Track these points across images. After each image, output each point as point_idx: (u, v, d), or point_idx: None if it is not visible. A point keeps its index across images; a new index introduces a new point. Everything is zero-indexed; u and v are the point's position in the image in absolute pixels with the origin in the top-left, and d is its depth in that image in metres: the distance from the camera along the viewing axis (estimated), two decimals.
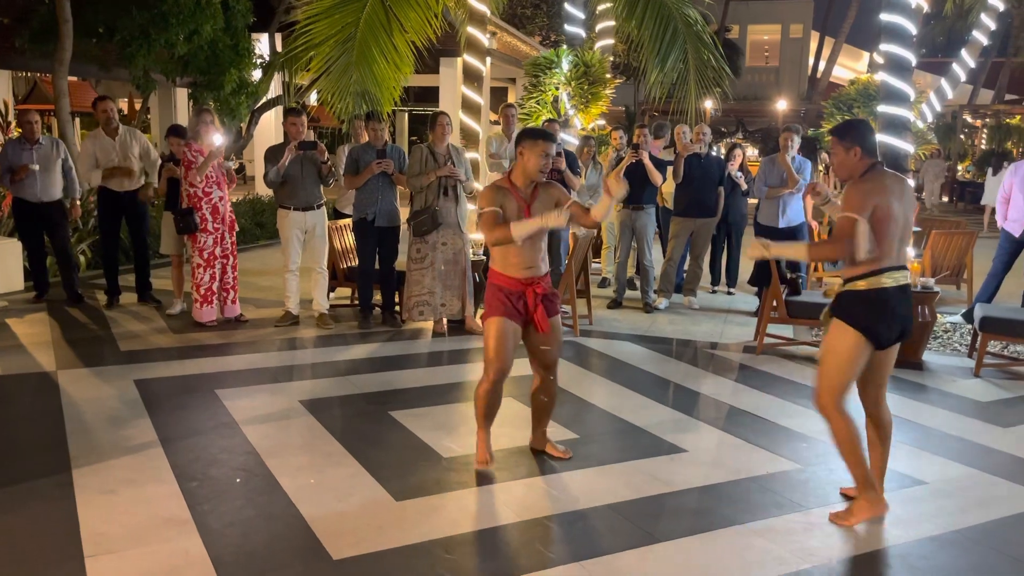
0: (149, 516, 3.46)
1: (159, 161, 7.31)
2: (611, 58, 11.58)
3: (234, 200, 7.73)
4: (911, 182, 7.18)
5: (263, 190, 11.79)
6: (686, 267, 8.23)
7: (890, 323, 3.48)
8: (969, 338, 6.63)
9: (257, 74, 12.05)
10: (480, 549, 3.29)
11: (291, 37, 6.99)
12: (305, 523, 3.44)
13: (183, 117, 15.61)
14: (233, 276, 6.76)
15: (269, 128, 14.79)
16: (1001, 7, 12.01)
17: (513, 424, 4.70)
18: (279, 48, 12.89)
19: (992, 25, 11.90)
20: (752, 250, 3.74)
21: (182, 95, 15.62)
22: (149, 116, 17.38)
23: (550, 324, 3.99)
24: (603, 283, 8.96)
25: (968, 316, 7.16)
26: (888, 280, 3.46)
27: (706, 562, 3.23)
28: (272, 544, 3.27)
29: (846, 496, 3.83)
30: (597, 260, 9.33)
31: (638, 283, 8.15)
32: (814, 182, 3.94)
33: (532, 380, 4.24)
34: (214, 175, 6.53)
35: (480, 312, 6.98)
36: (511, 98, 19.06)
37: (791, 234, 7.64)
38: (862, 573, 3.20)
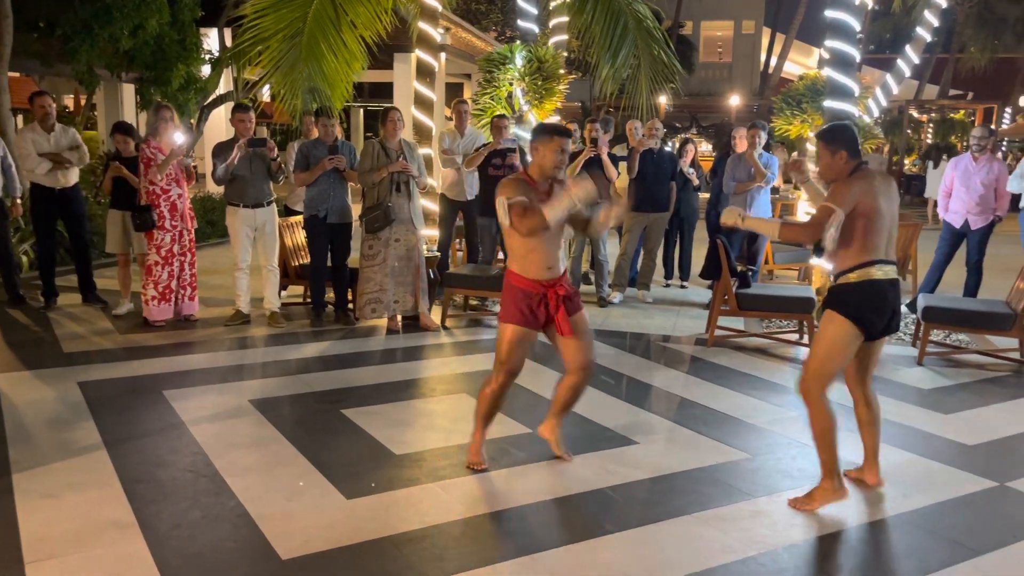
0: (92, 520, 3.39)
1: (87, 155, 7.16)
2: (565, 54, 11.60)
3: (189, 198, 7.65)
4: None
5: (214, 188, 11.61)
6: (640, 261, 8.30)
7: (881, 313, 3.59)
8: (913, 327, 6.79)
9: (206, 69, 11.85)
10: (431, 545, 3.28)
11: (239, 32, 6.88)
12: (253, 523, 3.40)
13: (130, 113, 15.28)
14: (191, 273, 6.66)
15: (220, 124, 14.55)
16: (944, 4, 12.27)
17: (467, 420, 4.68)
18: (228, 43, 12.68)
19: (935, 22, 12.15)
20: (726, 217, 3.84)
21: (128, 91, 15.29)
22: (95, 112, 17.00)
23: (572, 324, 3.88)
24: None
25: (912, 306, 7.34)
26: (878, 272, 3.56)
27: (654, 552, 3.27)
28: (219, 545, 3.23)
29: (848, 476, 3.87)
30: None
31: (593, 278, 8.21)
32: (798, 159, 4.04)
33: (562, 376, 4.12)
34: (173, 172, 6.44)
35: (436, 306, 7.00)
36: (466, 94, 19.01)
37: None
38: (806, 558, 3.26)
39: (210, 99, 12.44)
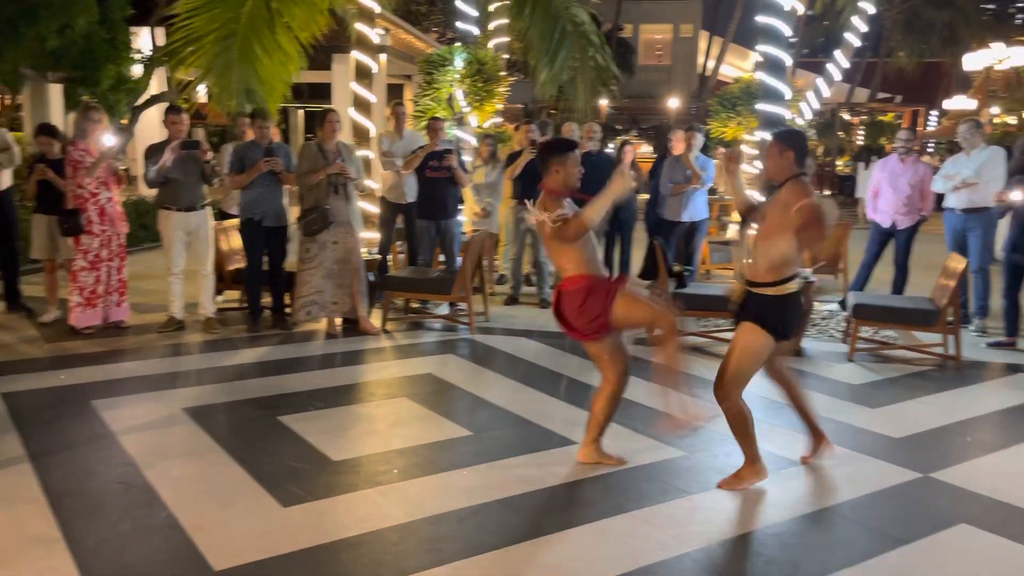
0: (15, 536, 3.27)
1: (17, 157, 6.93)
2: (506, 56, 11.64)
3: (121, 201, 7.44)
4: None
5: (147, 191, 11.32)
6: None
7: (795, 321, 3.88)
8: (844, 325, 6.99)
9: (138, 69, 11.55)
10: (369, 551, 3.26)
11: (171, 31, 6.72)
12: (186, 534, 3.33)
13: (57, 114, 14.78)
14: (120, 279, 6.48)
15: (153, 126, 14.17)
16: (872, 10, 12.68)
17: (407, 424, 4.68)
18: (160, 42, 12.37)
19: (864, 27, 12.55)
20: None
21: (56, 91, 14.78)
22: (21, 113, 16.40)
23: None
24: (500, 280, 9.02)
25: (843, 304, 7.55)
26: (793, 285, 3.76)
27: (592, 551, 3.30)
28: (150, 558, 3.15)
29: (806, 462, 4.20)
30: (495, 257, 9.37)
31: (534, 279, 8.25)
32: (735, 150, 4.17)
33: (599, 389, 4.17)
34: (102, 175, 6.27)
35: (376, 310, 6.94)
36: (408, 95, 18.91)
37: (694, 228, 8.10)
38: (739, 552, 3.33)
39: (142, 100, 12.12)
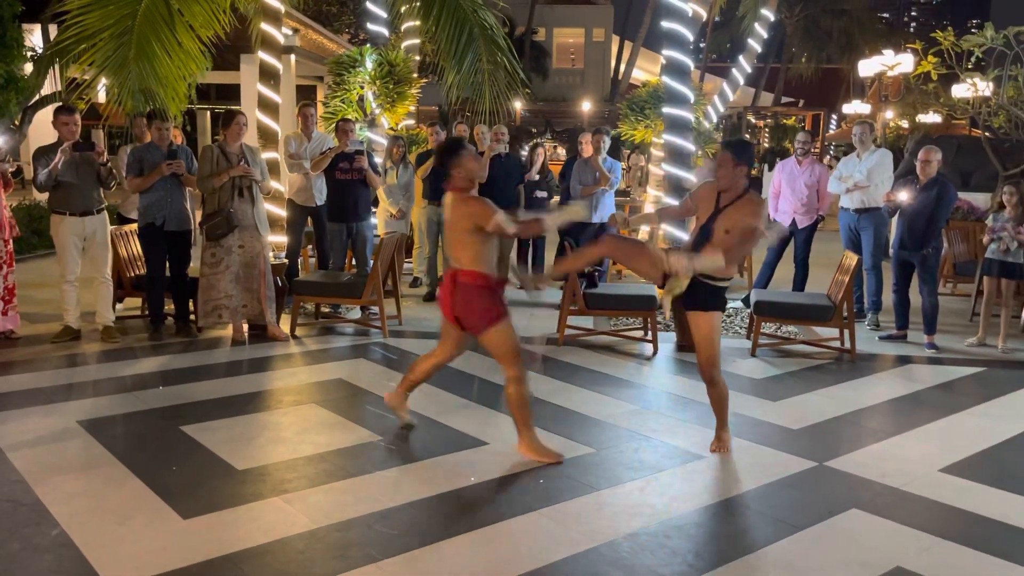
0: None
1: None
2: (417, 57, 11.58)
3: (12, 206, 7.08)
4: (693, 179, 7.72)
5: (41, 195, 10.82)
6: None
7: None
8: (748, 321, 7.21)
9: (30, 67, 11.02)
10: (274, 560, 3.19)
11: (63, 28, 6.44)
12: (79, 552, 3.19)
13: None
14: (6, 287, 6.16)
15: (49, 127, 13.55)
16: (772, 17, 13.13)
17: (316, 431, 4.61)
18: (54, 39, 11.83)
19: (765, 34, 12.99)
20: (678, 280, 4.16)
21: None
22: None
23: None
24: (415, 282, 8.98)
25: (747, 301, 7.79)
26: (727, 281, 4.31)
27: (500, 550, 3.31)
28: None
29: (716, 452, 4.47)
30: (409, 260, 9.32)
31: None
32: (619, 214, 4.53)
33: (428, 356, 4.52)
34: None
35: (285, 315, 6.80)
36: (319, 96, 18.61)
37: (603, 229, 8.18)
38: (645, 546, 3.39)
39: (34, 99, 11.57)
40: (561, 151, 27.37)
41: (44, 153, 6.07)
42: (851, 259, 6.51)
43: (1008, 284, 6.80)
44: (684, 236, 7.69)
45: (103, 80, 6.20)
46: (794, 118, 29.83)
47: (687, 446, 4.48)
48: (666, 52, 7.55)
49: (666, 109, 7.70)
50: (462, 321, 4.19)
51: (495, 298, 4.12)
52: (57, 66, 8.73)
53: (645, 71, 30.96)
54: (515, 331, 4.16)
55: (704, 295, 4.19)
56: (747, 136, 28.28)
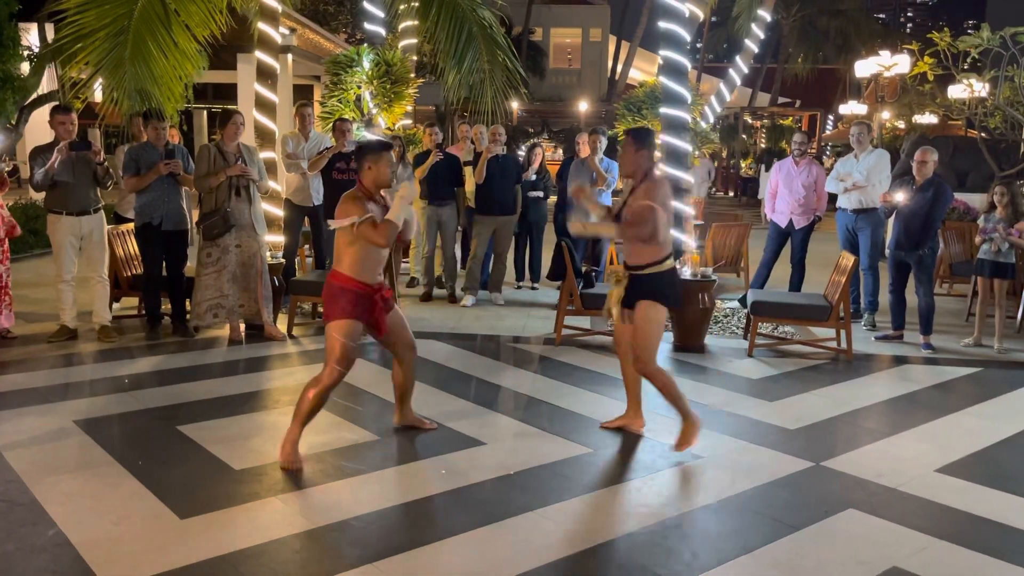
0: None
1: None
2: (415, 57, 11.57)
3: (8, 205, 7.06)
4: (690, 179, 7.74)
5: (38, 194, 10.79)
6: (491, 264, 8.42)
7: (679, 290, 4.46)
8: (744, 321, 7.22)
9: (27, 67, 10.99)
10: (271, 560, 3.19)
11: (60, 27, 6.43)
12: (75, 552, 3.19)
13: None
14: (1, 286, 6.15)
15: (44, 126, 13.52)
16: (768, 18, 13.15)
17: (313, 430, 4.58)
18: (51, 38, 11.81)
19: (761, 34, 13.01)
20: (572, 227, 4.36)
21: None
22: None
23: (389, 321, 4.31)
24: (412, 283, 8.98)
25: (744, 301, 7.80)
26: (670, 262, 4.34)
27: (497, 550, 3.32)
28: None
29: (607, 427, 4.68)
30: (406, 260, 9.32)
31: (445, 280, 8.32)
32: (580, 185, 4.49)
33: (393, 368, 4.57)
34: None
35: (283, 314, 6.80)
36: (316, 96, 18.59)
37: None
38: (642, 545, 3.40)
39: (31, 98, 11.54)
40: (559, 151, 27.40)
41: (41, 152, 6.06)
42: (848, 259, 6.52)
43: (1001, 284, 6.82)
44: (684, 237, 7.70)
45: (99, 79, 6.19)
46: (791, 118, 29.84)
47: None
48: (663, 52, 7.55)
49: (663, 109, 7.70)
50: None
51: (350, 299, 4.06)
52: (53, 65, 8.71)
53: (642, 71, 30.98)
54: (353, 341, 4.08)
55: (639, 286, 4.30)
56: (744, 137, 28.32)
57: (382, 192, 4.20)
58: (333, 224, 4.03)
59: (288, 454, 4.05)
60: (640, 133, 4.37)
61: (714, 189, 23.04)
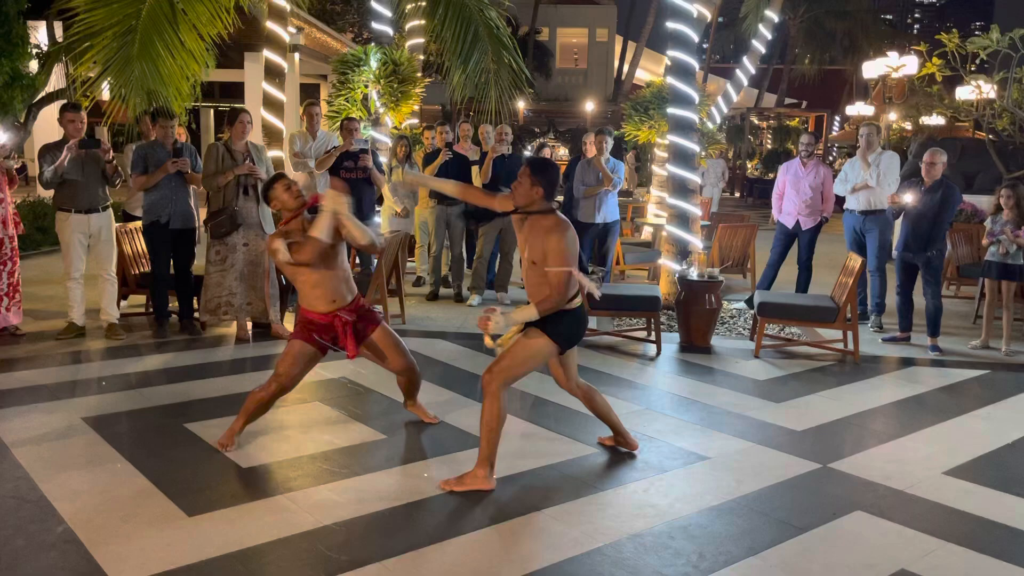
0: None
1: None
2: (422, 57, 11.58)
3: (17, 203, 7.09)
4: (697, 179, 7.73)
5: (46, 192, 10.82)
6: (497, 264, 8.43)
7: (580, 334, 3.99)
8: (751, 322, 7.21)
9: (35, 65, 11.03)
10: (278, 559, 3.20)
11: (69, 25, 6.45)
12: (84, 549, 3.20)
13: None
14: (10, 283, 6.17)
15: (53, 123, 13.58)
16: (776, 18, 13.13)
17: (320, 429, 4.62)
18: (59, 36, 11.85)
19: (768, 35, 12.99)
20: (481, 322, 3.73)
21: None
22: None
23: (369, 344, 4.41)
24: (418, 282, 8.99)
25: (750, 302, 7.79)
26: (578, 300, 3.91)
27: (505, 550, 3.32)
28: (45, 574, 3.02)
29: (603, 444, 4.47)
30: (412, 260, 9.33)
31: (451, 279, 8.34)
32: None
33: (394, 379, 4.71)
34: None
35: (290, 313, 6.81)
36: (323, 95, 18.62)
37: (607, 229, 8.23)
38: (649, 546, 3.40)
39: (40, 96, 11.59)
40: (563, 151, 27.38)
41: (50, 150, 6.08)
42: (855, 261, 6.51)
43: (1009, 286, 6.79)
44: (691, 238, 7.69)
45: (108, 78, 6.22)
46: (797, 119, 29.80)
47: (691, 447, 4.49)
48: (671, 53, 7.56)
49: (671, 110, 7.71)
50: None
51: (303, 328, 4.24)
52: (62, 63, 8.75)
53: (648, 71, 30.92)
54: (301, 359, 4.22)
55: (547, 318, 3.79)
56: (750, 138, 28.26)
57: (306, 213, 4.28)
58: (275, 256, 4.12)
59: (224, 438, 4.24)
60: (537, 164, 3.88)
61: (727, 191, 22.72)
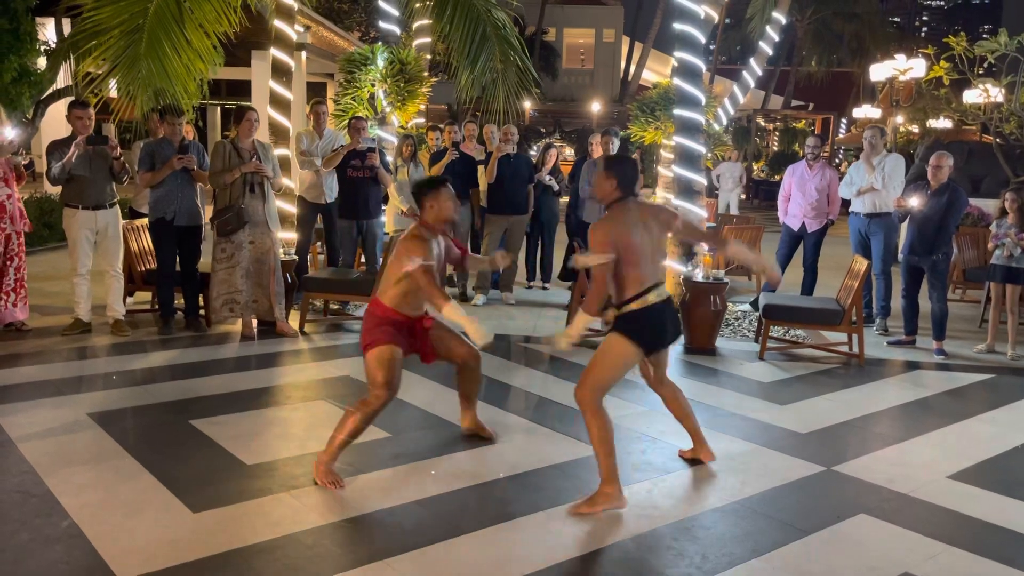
0: None
1: None
2: (428, 56, 11.59)
3: (24, 199, 7.13)
4: (703, 180, 7.71)
5: (52, 188, 10.86)
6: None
7: (661, 332, 3.83)
8: (756, 324, 7.21)
9: (43, 61, 11.06)
10: (283, 556, 3.21)
11: (76, 22, 6.47)
12: (89, 544, 3.21)
13: None
14: (17, 279, 6.20)
15: (60, 120, 13.62)
16: (784, 20, 13.11)
17: (324, 427, 4.61)
18: (67, 33, 11.88)
19: (776, 37, 12.96)
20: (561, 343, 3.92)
21: None
22: None
23: (434, 346, 4.29)
24: None
25: (755, 304, 7.78)
26: (653, 297, 3.75)
27: (509, 549, 3.32)
28: (50, 568, 3.03)
29: (683, 458, 4.33)
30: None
31: (456, 278, 8.32)
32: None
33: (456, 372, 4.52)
34: (1, 171, 5.99)
35: (295, 311, 6.83)
36: (330, 94, 18.64)
37: None
38: (652, 546, 3.40)
39: (47, 93, 11.63)
40: (569, 151, 27.39)
41: (58, 147, 6.11)
42: (861, 263, 6.50)
43: (1014, 290, 6.78)
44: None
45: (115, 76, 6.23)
46: (804, 121, 29.75)
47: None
48: (678, 54, 7.55)
49: (677, 111, 7.70)
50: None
51: (387, 330, 3.99)
52: (70, 60, 8.76)
53: (655, 72, 30.94)
54: (393, 365, 3.91)
55: (620, 321, 3.80)
56: (756, 140, 28.21)
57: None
58: (409, 266, 3.89)
59: (323, 475, 3.87)
60: (611, 160, 3.92)
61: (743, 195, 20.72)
